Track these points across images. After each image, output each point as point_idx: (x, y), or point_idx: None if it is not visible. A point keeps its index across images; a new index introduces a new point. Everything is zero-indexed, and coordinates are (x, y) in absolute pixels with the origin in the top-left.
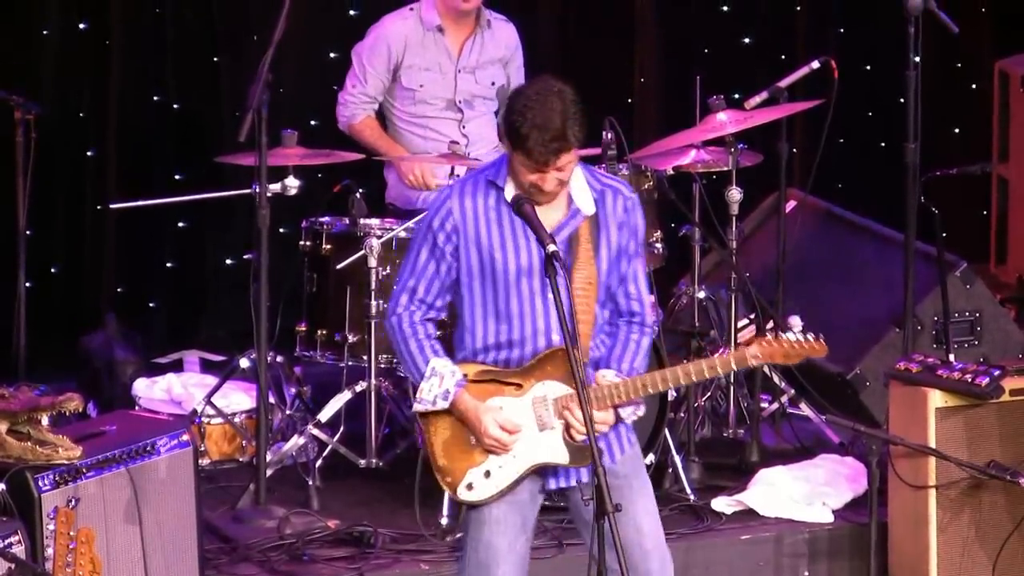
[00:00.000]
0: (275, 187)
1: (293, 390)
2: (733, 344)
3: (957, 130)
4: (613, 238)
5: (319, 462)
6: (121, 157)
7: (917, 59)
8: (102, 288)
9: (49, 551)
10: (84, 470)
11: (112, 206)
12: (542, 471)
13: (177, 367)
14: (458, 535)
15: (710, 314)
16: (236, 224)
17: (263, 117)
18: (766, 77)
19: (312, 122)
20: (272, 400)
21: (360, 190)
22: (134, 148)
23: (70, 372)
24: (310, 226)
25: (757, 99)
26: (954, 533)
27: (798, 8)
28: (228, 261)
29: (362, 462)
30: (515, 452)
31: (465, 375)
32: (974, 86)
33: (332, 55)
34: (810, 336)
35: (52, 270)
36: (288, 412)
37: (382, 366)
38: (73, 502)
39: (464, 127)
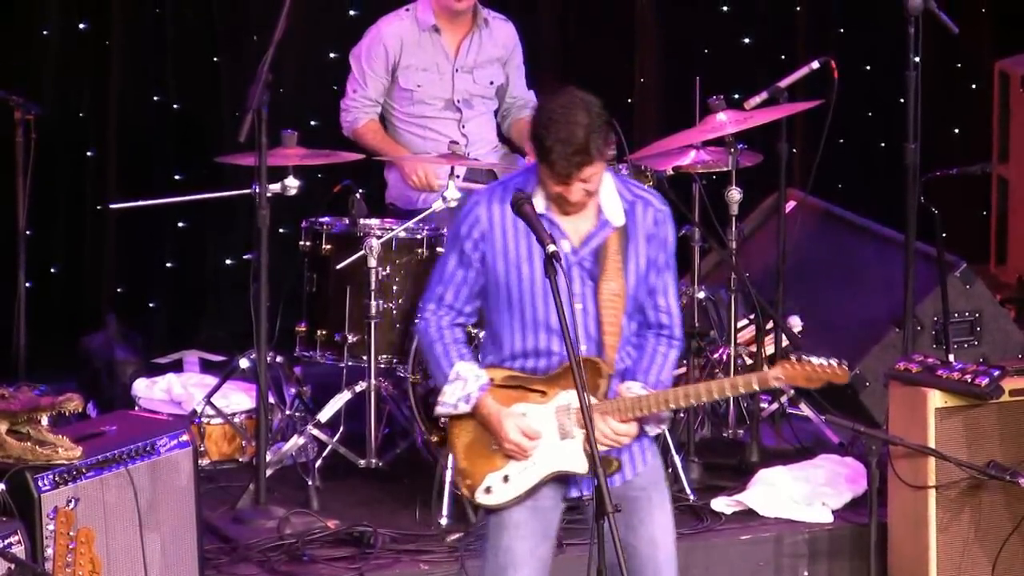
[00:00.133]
0: (275, 187)
1: (293, 390)
2: (733, 344)
3: (957, 130)
4: (642, 250)
5: (319, 462)
6: (121, 157)
7: (917, 59)
8: (102, 288)
9: (49, 551)
10: (84, 470)
11: (112, 206)
12: (564, 480)
13: (177, 367)
14: (457, 535)
15: (710, 314)
16: (236, 224)
17: (263, 117)
18: (766, 77)
19: (312, 122)
20: (272, 400)
21: (360, 190)
22: (134, 148)
23: (70, 372)
24: (310, 226)
25: (757, 99)
26: (954, 533)
27: (798, 8)
28: (228, 261)
29: (362, 462)
30: (535, 459)
31: (491, 380)
32: (974, 86)
33: (332, 55)
34: (833, 361)
35: (52, 270)
36: (288, 412)
37: (382, 366)
38: (73, 502)
39: (464, 127)
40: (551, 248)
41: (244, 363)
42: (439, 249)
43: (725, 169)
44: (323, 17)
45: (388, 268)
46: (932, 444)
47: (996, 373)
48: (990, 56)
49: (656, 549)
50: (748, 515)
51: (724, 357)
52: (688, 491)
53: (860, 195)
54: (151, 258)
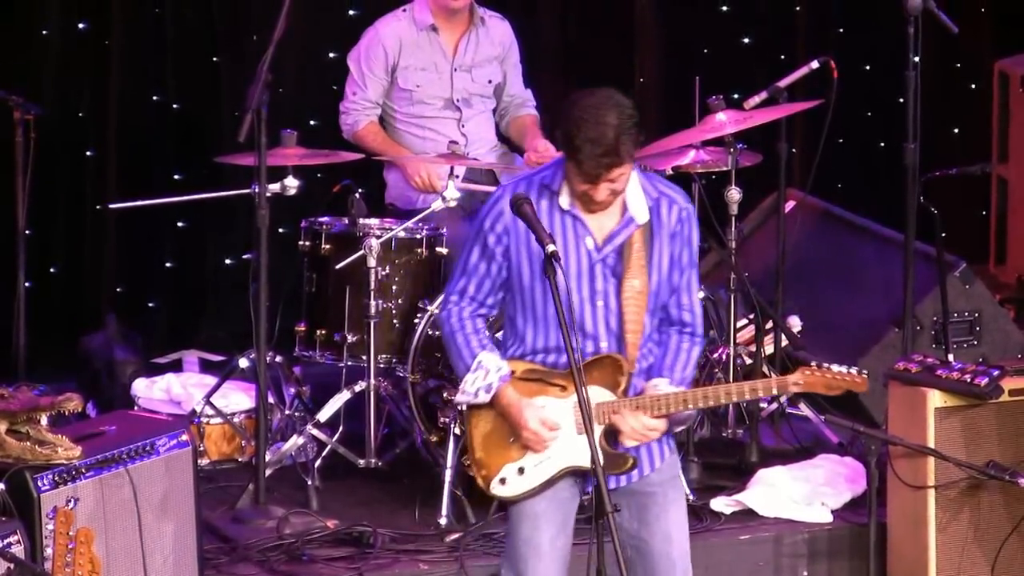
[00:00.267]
0: (274, 187)
1: (292, 390)
2: (732, 344)
3: (957, 130)
4: (665, 248)
5: (318, 462)
6: (121, 157)
7: (916, 59)
8: (102, 288)
9: (48, 551)
10: (83, 470)
11: (112, 206)
12: (582, 473)
13: (176, 367)
14: (457, 535)
15: (709, 314)
16: (236, 224)
17: (263, 117)
18: (766, 77)
19: (312, 122)
20: (271, 400)
21: (359, 190)
22: (134, 148)
23: (70, 372)
24: (309, 226)
25: (756, 99)
26: (953, 533)
27: (798, 8)
28: (228, 261)
29: (361, 462)
30: (551, 453)
31: (512, 371)
32: (973, 86)
33: (332, 55)
34: (852, 369)
35: (52, 270)
36: (287, 412)
37: (381, 366)
38: (72, 502)
39: (463, 126)
40: (550, 248)
41: (243, 363)
42: (438, 249)
43: (725, 169)
44: (323, 17)
45: (387, 268)
46: (931, 444)
47: (995, 373)
48: (990, 56)
49: (670, 545)
50: (747, 515)
51: (723, 357)
52: (687, 491)
53: (860, 195)
54: (151, 258)
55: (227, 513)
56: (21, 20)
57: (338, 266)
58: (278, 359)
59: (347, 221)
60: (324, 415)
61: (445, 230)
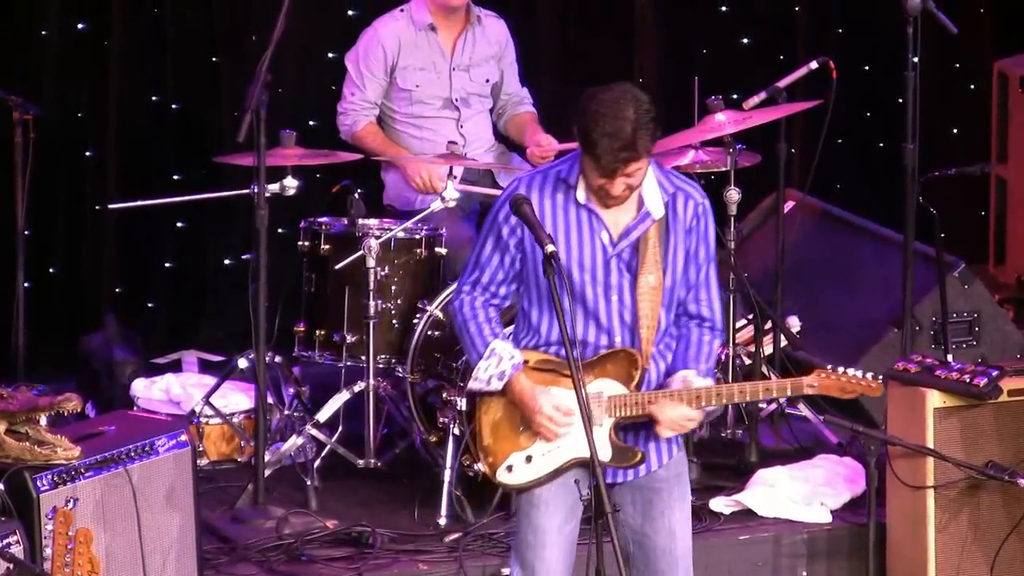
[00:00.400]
0: (274, 187)
1: (291, 390)
2: (731, 344)
3: (956, 130)
4: (681, 243)
5: (317, 462)
6: (120, 157)
7: (916, 59)
8: (101, 288)
9: (48, 551)
10: (83, 470)
11: (111, 206)
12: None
13: (176, 367)
14: (456, 535)
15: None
16: (235, 224)
17: (262, 117)
18: (765, 78)
19: (311, 122)
20: (270, 400)
21: (359, 190)
22: (133, 148)
23: (69, 372)
24: (309, 226)
25: (756, 99)
26: (952, 533)
27: (797, 9)
28: (227, 261)
29: (360, 462)
30: (559, 443)
31: (525, 361)
32: (973, 87)
33: (331, 55)
34: (869, 375)
35: (51, 270)
36: (286, 412)
37: (380, 366)
38: (72, 502)
39: (462, 127)
40: (549, 248)
41: (243, 363)
42: (438, 249)
43: (724, 169)
44: (322, 17)
45: (387, 268)
46: (931, 444)
47: (995, 373)
48: (989, 56)
49: (674, 541)
50: (747, 515)
51: (723, 357)
52: None
53: (859, 195)
54: (150, 258)
55: (226, 513)
56: (21, 20)
57: (337, 266)
58: (277, 359)
59: (346, 221)
60: (323, 415)
61: (444, 230)
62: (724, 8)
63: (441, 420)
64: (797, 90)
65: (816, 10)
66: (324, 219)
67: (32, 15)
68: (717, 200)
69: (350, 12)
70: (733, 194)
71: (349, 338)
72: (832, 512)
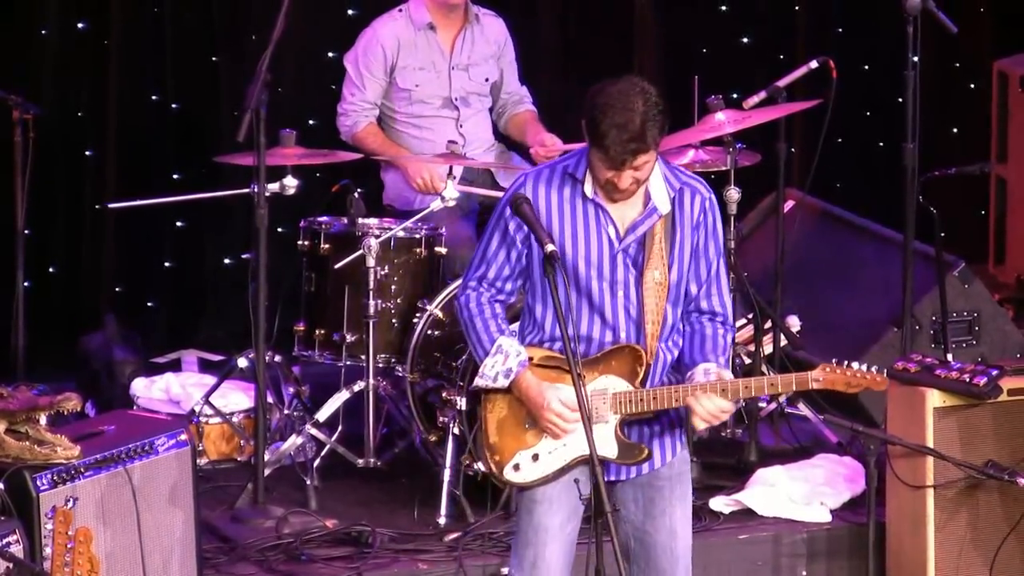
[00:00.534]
0: (273, 187)
1: (291, 390)
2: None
3: (956, 130)
4: (687, 239)
5: (317, 462)
6: (120, 157)
7: (916, 59)
8: (101, 288)
9: (47, 551)
10: (82, 470)
11: (110, 206)
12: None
13: (175, 367)
14: (456, 535)
15: None
16: (234, 224)
17: (261, 117)
18: (765, 77)
19: (311, 122)
20: (270, 400)
21: (358, 190)
22: (133, 148)
23: (69, 372)
24: (308, 226)
25: (755, 99)
26: (951, 533)
27: (797, 8)
28: (227, 261)
29: (360, 462)
30: (565, 441)
31: (530, 358)
32: (973, 86)
33: (331, 55)
34: (874, 369)
35: (51, 270)
36: (286, 412)
37: (380, 366)
38: (71, 502)
39: (461, 126)
40: (549, 248)
41: (242, 362)
42: (437, 249)
43: (723, 168)
44: (322, 17)
45: (386, 267)
46: (930, 444)
47: (994, 373)
48: (989, 56)
49: (675, 540)
50: (746, 515)
51: None
52: None
53: (859, 195)
54: (150, 258)
55: (226, 513)
56: (20, 20)
57: (337, 266)
58: (277, 359)
59: (346, 221)
60: (323, 415)
61: (444, 230)
62: (724, 7)
63: (441, 419)
64: (797, 89)
65: (816, 9)
66: (324, 218)
67: (32, 14)
68: (717, 200)
69: (350, 11)
70: (733, 193)
71: (349, 337)
72: (832, 511)
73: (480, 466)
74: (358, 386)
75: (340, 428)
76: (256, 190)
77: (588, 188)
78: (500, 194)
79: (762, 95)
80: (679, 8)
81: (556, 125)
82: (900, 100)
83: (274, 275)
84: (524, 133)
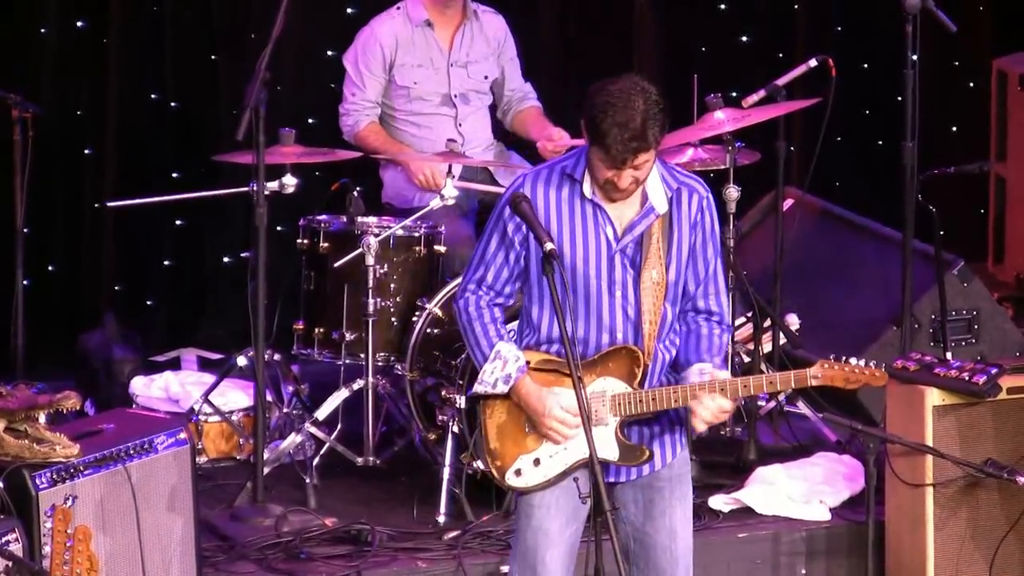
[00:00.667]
0: (273, 185)
1: (291, 388)
2: (730, 342)
3: (955, 129)
4: (685, 238)
5: (316, 460)
6: (119, 156)
7: (915, 58)
8: (100, 287)
9: (46, 549)
10: (81, 468)
11: (110, 205)
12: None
13: (175, 365)
14: (455, 533)
15: None
16: (234, 223)
17: (261, 115)
18: (764, 76)
19: (310, 120)
20: (270, 398)
21: (358, 188)
22: (132, 147)
23: (68, 370)
24: (308, 224)
25: (755, 97)
26: (951, 531)
27: (796, 7)
28: (226, 260)
29: (359, 460)
30: (566, 444)
31: (528, 362)
32: (972, 85)
33: (330, 53)
34: (872, 363)
35: (50, 268)
36: (285, 410)
37: (379, 364)
38: (70, 500)
39: (460, 125)
40: (548, 246)
41: (242, 361)
42: (437, 247)
43: (723, 167)
44: (321, 15)
45: (386, 266)
46: (930, 442)
47: (993, 371)
48: (988, 54)
49: (675, 540)
50: (746, 513)
51: None
52: None
53: (858, 193)
54: (149, 256)
55: (225, 511)
56: (20, 19)
57: (336, 264)
58: (276, 357)
59: (345, 219)
60: (322, 413)
61: (443, 228)
62: (723, 6)
63: (440, 418)
64: (796, 88)
65: (815, 8)
66: (323, 217)
67: (31, 14)
68: (716, 198)
69: (349, 10)
70: (732, 192)
71: (348, 336)
72: (831, 510)
73: (480, 464)
74: (357, 384)
75: (339, 426)
76: (255, 189)
77: (587, 188)
78: (500, 190)
79: (761, 94)
80: (678, 7)
81: (556, 124)
82: (899, 99)
83: (273, 274)
84: (530, 129)
